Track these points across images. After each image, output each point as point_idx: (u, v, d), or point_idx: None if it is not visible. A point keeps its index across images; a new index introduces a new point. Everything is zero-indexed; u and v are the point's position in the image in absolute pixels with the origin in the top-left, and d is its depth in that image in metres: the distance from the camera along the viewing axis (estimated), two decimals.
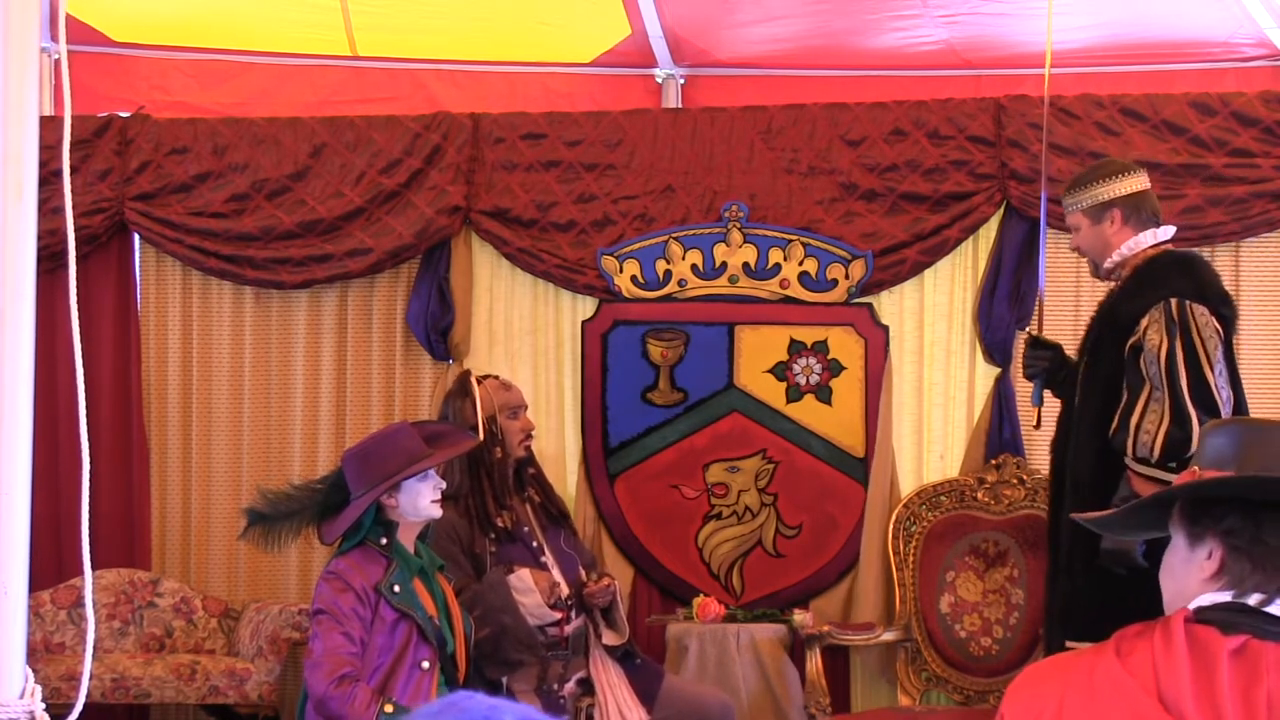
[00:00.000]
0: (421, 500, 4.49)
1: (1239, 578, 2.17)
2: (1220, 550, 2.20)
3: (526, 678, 5.07)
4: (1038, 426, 5.25)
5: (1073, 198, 4.90)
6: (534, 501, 5.39)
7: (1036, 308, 5.50)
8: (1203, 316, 4.61)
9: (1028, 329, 5.23)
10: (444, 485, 4.59)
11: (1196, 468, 2.29)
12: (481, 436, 5.13)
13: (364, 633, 4.36)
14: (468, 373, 5.55)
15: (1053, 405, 5.11)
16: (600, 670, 5.21)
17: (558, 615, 5.10)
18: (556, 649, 5.14)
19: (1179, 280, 4.69)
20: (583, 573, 5.35)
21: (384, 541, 4.46)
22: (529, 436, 5.42)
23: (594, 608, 5.24)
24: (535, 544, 5.28)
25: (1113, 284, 4.92)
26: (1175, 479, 2.39)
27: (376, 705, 4.27)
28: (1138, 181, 4.87)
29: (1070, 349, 5.19)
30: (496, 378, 5.58)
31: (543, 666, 5.09)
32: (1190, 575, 2.22)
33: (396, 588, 4.39)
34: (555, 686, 5.11)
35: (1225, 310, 4.71)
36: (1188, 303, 4.61)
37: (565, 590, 5.18)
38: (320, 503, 4.54)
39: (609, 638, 5.26)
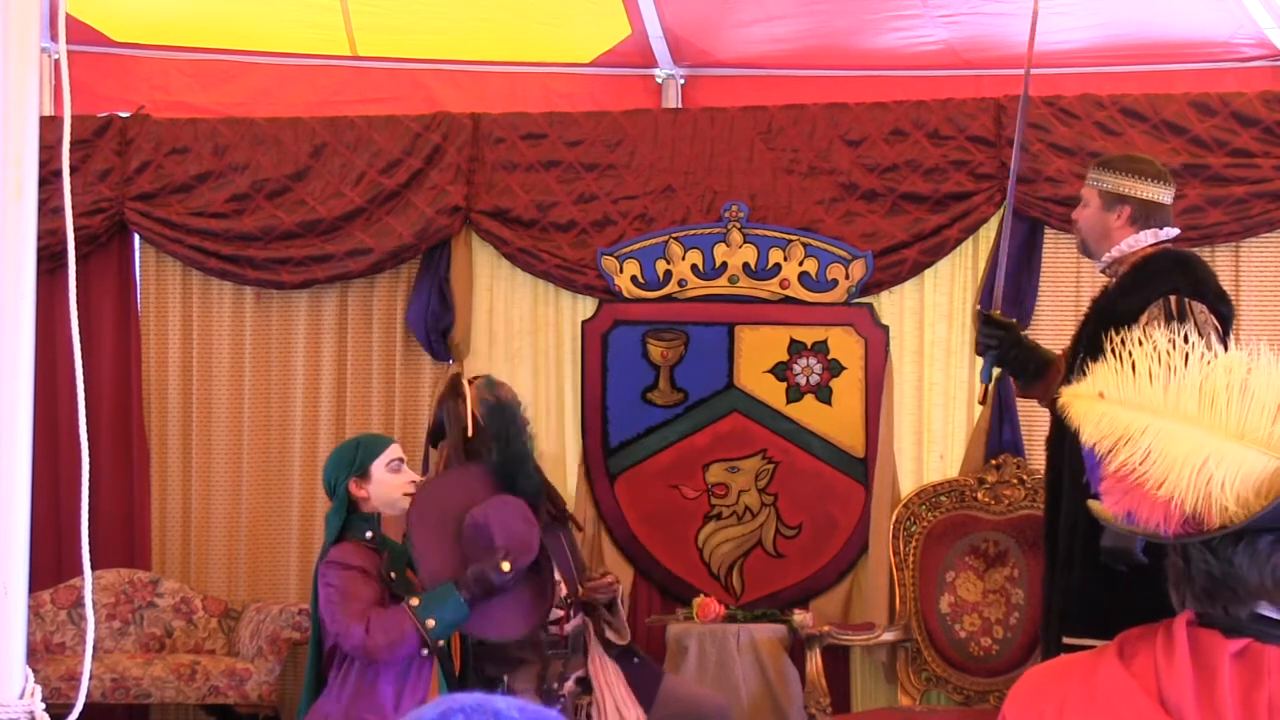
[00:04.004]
0: (394, 492, 4.47)
1: (1187, 598, 2.18)
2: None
3: (527, 676, 5.06)
4: (983, 402, 5.43)
5: (1096, 174, 4.86)
6: None
7: (995, 288, 5.34)
8: (1202, 314, 4.60)
9: (987, 308, 5.11)
10: (416, 478, 4.58)
11: None
12: (471, 432, 5.11)
13: (375, 591, 4.34)
14: (458, 375, 5.53)
15: (1044, 410, 5.09)
16: (598, 669, 5.20)
17: (558, 614, 5.09)
18: (556, 647, 5.13)
19: (1177, 277, 4.68)
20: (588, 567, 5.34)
21: (369, 535, 4.43)
22: None
23: (595, 603, 5.23)
24: None
25: (1108, 279, 4.91)
26: None
27: (407, 611, 4.26)
28: (1162, 193, 4.82)
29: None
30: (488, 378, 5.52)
31: (543, 665, 5.09)
32: None
33: (393, 574, 4.38)
34: (555, 685, 5.10)
35: (1223, 308, 4.70)
36: (1187, 299, 4.61)
37: (564, 589, 5.18)
38: None
39: (611, 637, 5.26)
